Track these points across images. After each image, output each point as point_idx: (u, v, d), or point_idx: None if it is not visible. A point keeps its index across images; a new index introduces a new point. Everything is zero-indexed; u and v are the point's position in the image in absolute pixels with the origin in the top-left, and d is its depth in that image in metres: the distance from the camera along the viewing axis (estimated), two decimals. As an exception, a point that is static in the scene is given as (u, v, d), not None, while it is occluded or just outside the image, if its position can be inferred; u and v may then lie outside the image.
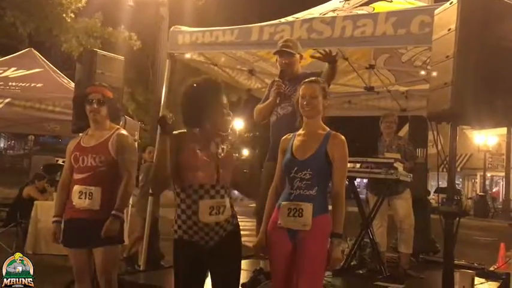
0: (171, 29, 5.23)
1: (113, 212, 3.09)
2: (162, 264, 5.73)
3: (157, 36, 6.46)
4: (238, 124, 28.86)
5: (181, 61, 5.61)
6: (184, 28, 5.17)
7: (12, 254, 6.56)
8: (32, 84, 7.12)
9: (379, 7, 4.75)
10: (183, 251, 2.60)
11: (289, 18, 4.86)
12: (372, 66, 6.16)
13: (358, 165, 5.18)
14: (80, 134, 3.41)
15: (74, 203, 3.14)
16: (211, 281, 2.66)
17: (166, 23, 5.70)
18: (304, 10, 5.42)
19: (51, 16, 10.67)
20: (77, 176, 3.17)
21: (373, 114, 6.97)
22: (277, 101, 3.86)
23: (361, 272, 4.94)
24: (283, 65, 3.94)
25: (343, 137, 2.82)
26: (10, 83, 7.11)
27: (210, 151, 2.62)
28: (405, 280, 4.69)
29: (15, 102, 6.60)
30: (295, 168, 2.74)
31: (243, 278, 4.30)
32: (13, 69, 7.64)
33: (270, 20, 4.83)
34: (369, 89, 6.45)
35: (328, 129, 2.87)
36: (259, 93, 6.46)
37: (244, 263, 5.19)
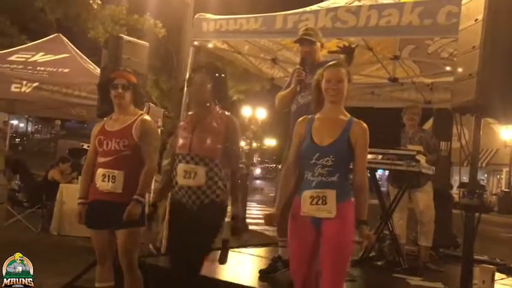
0: (196, 16, 5.26)
1: (135, 196, 3.15)
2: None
3: (182, 24, 6.50)
4: (261, 113, 28.88)
5: (206, 49, 5.63)
6: (208, 15, 5.19)
7: (38, 233, 6.80)
8: (60, 69, 7.24)
9: (405, -4, 4.68)
10: (174, 209, 3.01)
11: (314, 7, 4.82)
12: (396, 57, 6.07)
13: (379, 156, 5.15)
14: (105, 119, 3.46)
15: (97, 186, 3.21)
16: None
17: (191, 11, 5.73)
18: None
19: (78, 2, 10.82)
20: (100, 160, 3.24)
21: (397, 105, 6.89)
22: (298, 89, 3.85)
23: (379, 263, 4.92)
24: (304, 53, 3.91)
25: (365, 124, 2.78)
26: (38, 68, 7.25)
27: (191, 128, 2.98)
28: (424, 273, 4.66)
29: (43, 87, 6.72)
30: (317, 155, 2.70)
31: (261, 264, 4.37)
32: (41, 54, 7.78)
33: (294, 9, 4.82)
34: (393, 80, 6.37)
35: (350, 115, 2.82)
36: (282, 82, 6.43)
37: (262, 251, 5.28)
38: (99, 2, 10.99)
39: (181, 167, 2.92)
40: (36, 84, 6.70)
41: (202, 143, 2.92)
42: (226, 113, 3.05)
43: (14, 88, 6.74)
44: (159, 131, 9.69)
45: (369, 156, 5.51)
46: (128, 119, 3.31)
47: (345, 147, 2.70)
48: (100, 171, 3.21)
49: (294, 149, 2.88)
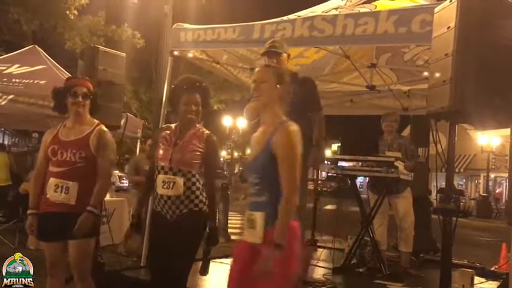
0: (173, 27, 5.25)
1: (88, 207, 3.10)
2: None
3: (160, 34, 6.48)
4: (241, 123, 28.90)
5: (184, 59, 5.62)
6: (186, 25, 5.18)
7: (15, 249, 6.65)
8: (36, 81, 7.12)
9: (381, 5, 4.75)
10: (154, 220, 3.05)
11: (291, 16, 4.86)
12: (373, 65, 6.15)
13: (359, 163, 5.20)
14: (57, 126, 3.35)
15: (48, 196, 3.12)
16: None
17: (169, 21, 5.70)
18: (307, 8, 5.43)
19: (54, 13, 10.69)
20: (53, 169, 3.15)
21: (375, 113, 6.96)
22: None
23: (361, 270, 4.94)
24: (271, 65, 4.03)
25: (293, 127, 2.43)
26: (14, 80, 7.11)
27: (173, 141, 3.01)
28: (405, 279, 4.70)
29: (18, 99, 6.60)
30: (249, 173, 2.50)
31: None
32: (16, 65, 7.64)
33: (273, 18, 4.84)
34: (371, 87, 6.44)
35: (285, 119, 2.50)
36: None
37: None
38: (76, 13, 10.88)
39: (160, 178, 2.95)
40: (11, 96, 6.58)
41: (182, 157, 2.95)
42: (206, 132, 3.09)
43: (-12, 101, 6.61)
44: (138, 141, 9.65)
45: (348, 164, 5.59)
46: (84, 129, 3.24)
47: (267, 160, 2.38)
48: (52, 181, 3.12)
49: None
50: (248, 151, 2.61)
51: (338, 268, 4.91)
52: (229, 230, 9.43)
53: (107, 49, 4.30)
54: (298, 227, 2.40)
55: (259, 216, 2.36)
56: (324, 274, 4.80)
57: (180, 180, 2.92)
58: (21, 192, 7.35)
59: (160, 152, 3.01)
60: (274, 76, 2.55)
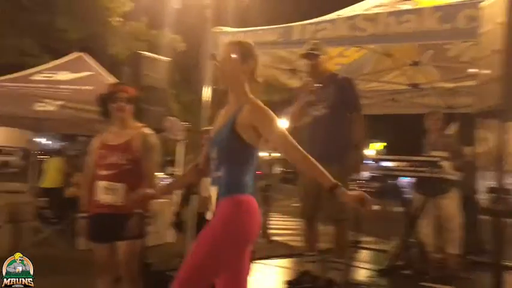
0: (213, 30, 5.32)
1: (137, 210, 3.19)
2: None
3: (201, 38, 6.57)
4: (280, 123, 28.74)
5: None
6: (225, 29, 5.24)
7: (66, 249, 6.90)
8: (83, 87, 7.38)
9: (423, 2, 4.65)
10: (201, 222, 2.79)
11: (332, 16, 4.83)
12: (416, 63, 6.02)
13: (402, 163, 5.10)
14: (103, 133, 3.45)
15: (98, 199, 3.23)
16: None
17: (210, 25, 5.79)
18: (346, 7, 5.38)
19: (99, 21, 11.05)
20: (102, 172, 3.25)
21: (417, 111, 6.82)
22: (310, 101, 3.93)
23: (406, 272, 4.85)
24: (310, 66, 4.07)
25: (261, 103, 2.36)
26: (62, 86, 7.40)
27: None
28: (453, 281, 4.57)
29: (67, 105, 6.85)
30: (210, 148, 2.46)
31: (288, 275, 4.35)
32: (65, 72, 7.94)
33: (312, 19, 4.83)
34: (414, 86, 6.31)
35: (252, 97, 2.39)
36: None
37: (285, 262, 5.25)
38: (119, 20, 11.20)
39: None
40: (61, 102, 6.84)
41: None
42: None
43: (37, 107, 6.88)
44: (184, 143, 9.81)
45: (392, 163, 5.50)
46: (129, 132, 3.33)
47: (227, 136, 2.32)
48: (101, 184, 3.23)
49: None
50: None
51: (383, 270, 4.84)
52: (270, 231, 9.45)
53: (150, 54, 4.40)
54: (255, 202, 2.32)
55: (213, 190, 2.35)
56: (368, 276, 4.74)
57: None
58: (68, 196, 7.63)
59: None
60: (240, 54, 2.40)
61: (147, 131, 3.39)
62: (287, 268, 4.79)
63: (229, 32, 5.11)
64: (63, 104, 6.83)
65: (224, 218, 2.24)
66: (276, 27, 4.76)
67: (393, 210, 8.78)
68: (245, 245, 2.26)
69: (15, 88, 7.34)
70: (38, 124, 8.92)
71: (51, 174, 9.04)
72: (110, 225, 3.20)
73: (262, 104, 2.34)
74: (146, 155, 3.29)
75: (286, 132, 2.30)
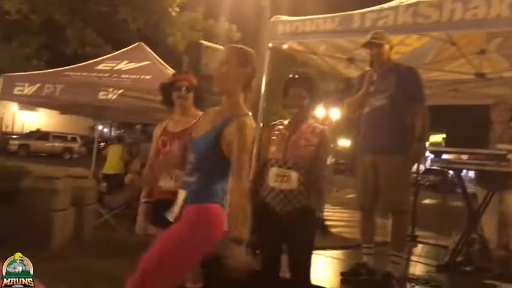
0: (272, 19, 5.29)
1: None
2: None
3: (257, 27, 6.59)
4: (334, 114, 28.46)
5: (280, 51, 5.65)
6: (284, 18, 5.21)
7: (125, 233, 7.17)
8: (142, 76, 7.58)
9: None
10: (263, 213, 2.93)
11: (393, 3, 4.68)
12: (483, 51, 5.74)
13: (464, 156, 4.91)
14: (166, 120, 3.57)
15: (161, 185, 3.31)
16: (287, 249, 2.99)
17: (267, 14, 5.78)
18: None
19: (158, 11, 11.30)
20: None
21: (482, 102, 6.52)
22: (370, 90, 3.83)
23: (467, 269, 4.68)
24: (373, 56, 3.97)
25: (250, 121, 2.30)
26: (123, 76, 7.64)
27: (287, 136, 3.03)
28: (517, 279, 4.37)
29: (127, 93, 7.08)
30: (190, 151, 2.47)
31: (344, 267, 4.31)
32: (125, 62, 8.19)
33: (370, 7, 4.71)
34: (480, 75, 6.03)
35: (246, 111, 2.33)
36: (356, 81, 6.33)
37: (341, 253, 5.20)
38: (177, 10, 11.41)
39: (273, 171, 2.98)
40: (121, 91, 7.07)
41: (295, 152, 2.98)
42: (320, 126, 3.09)
43: (101, 95, 7.16)
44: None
45: (453, 156, 5.30)
46: (190, 120, 3.37)
47: (211, 144, 2.31)
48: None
49: None
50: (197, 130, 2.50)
51: (442, 266, 4.70)
52: (326, 223, 9.39)
53: (210, 44, 4.47)
54: (222, 212, 2.32)
55: (182, 194, 2.38)
56: (427, 271, 4.62)
57: (294, 175, 2.93)
58: (127, 182, 7.88)
59: (275, 146, 3.05)
60: (238, 57, 2.38)
61: None
62: (343, 260, 4.74)
63: (287, 21, 5.07)
64: (123, 92, 7.07)
65: (190, 225, 2.27)
66: (335, 16, 4.69)
67: (452, 204, 8.47)
68: (203, 252, 2.32)
69: (80, 77, 7.66)
70: (99, 112, 9.29)
71: (112, 161, 9.40)
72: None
73: (249, 122, 2.29)
74: None
75: (246, 162, 2.26)
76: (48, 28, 13.30)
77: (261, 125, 5.72)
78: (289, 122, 3.13)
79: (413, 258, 5.14)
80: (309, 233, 2.98)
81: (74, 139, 31.14)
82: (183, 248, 2.27)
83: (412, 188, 5.89)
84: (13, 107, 32.81)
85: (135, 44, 9.24)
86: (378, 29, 4.09)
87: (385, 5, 4.67)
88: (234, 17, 12.74)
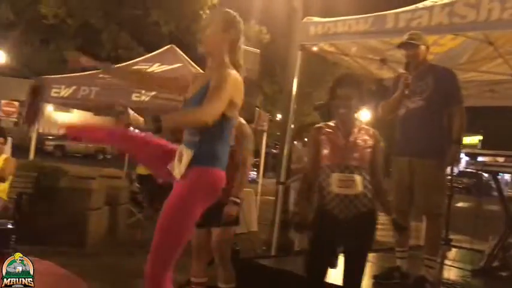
0: (303, 20, 5.29)
1: (231, 197, 3.32)
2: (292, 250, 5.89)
3: (289, 29, 6.58)
4: (365, 115, 28.18)
5: (311, 52, 5.64)
6: (316, 19, 5.19)
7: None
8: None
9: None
10: (322, 220, 2.86)
11: (427, 3, 4.61)
12: (521, 51, 5.58)
13: (501, 159, 4.79)
14: None
15: None
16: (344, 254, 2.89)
17: (299, 16, 5.78)
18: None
19: (189, 14, 11.45)
20: None
21: (520, 103, 6.35)
22: (406, 92, 3.78)
23: (503, 274, 4.56)
24: (409, 57, 3.90)
25: (235, 73, 2.42)
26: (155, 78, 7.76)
27: (341, 139, 2.90)
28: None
29: (159, 95, 7.20)
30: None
31: (376, 270, 4.27)
32: (157, 64, 8.32)
33: (403, 7, 4.64)
34: (518, 76, 5.87)
35: (231, 68, 2.44)
36: (391, 83, 6.25)
37: (373, 256, 5.14)
38: (208, 12, 11.52)
39: (335, 176, 2.83)
40: (153, 93, 7.19)
41: (355, 154, 2.85)
42: (370, 128, 2.99)
43: (134, 97, 7.31)
44: (265, 135, 9.93)
45: (489, 158, 5.18)
46: None
47: (200, 102, 2.34)
48: None
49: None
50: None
51: (477, 270, 4.59)
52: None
53: (243, 46, 4.47)
54: (223, 175, 2.45)
55: (188, 154, 2.37)
56: (462, 276, 4.52)
57: (359, 179, 2.81)
58: (159, 183, 7.99)
59: (329, 150, 2.90)
60: (222, 21, 2.44)
61: (242, 121, 3.48)
62: (375, 263, 4.69)
63: (319, 22, 5.06)
64: (155, 94, 7.19)
65: (192, 185, 2.36)
66: (368, 16, 4.65)
67: (488, 208, 8.27)
68: (199, 212, 2.44)
69: (114, 80, 7.82)
70: (132, 113, 9.44)
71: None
72: (208, 211, 3.32)
73: (231, 73, 2.37)
74: (241, 144, 3.38)
75: (221, 90, 2.33)
76: (84, 32, 13.65)
77: (292, 126, 5.73)
78: (337, 124, 2.98)
79: (447, 262, 5.05)
80: (371, 237, 2.89)
81: (106, 140, 31.74)
82: (182, 208, 2.37)
83: (447, 191, 5.77)
84: (49, 108, 33.72)
85: (166, 47, 9.37)
86: (412, 30, 4.04)
87: (420, 5, 4.60)
88: (264, 18, 12.77)
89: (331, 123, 3.01)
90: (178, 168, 2.40)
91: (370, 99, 3.07)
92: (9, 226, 2.65)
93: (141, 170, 9.47)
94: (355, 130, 2.93)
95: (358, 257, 2.87)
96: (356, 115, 2.98)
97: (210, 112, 2.31)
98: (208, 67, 2.51)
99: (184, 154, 2.38)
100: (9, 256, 2.46)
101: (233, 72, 2.41)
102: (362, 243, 2.87)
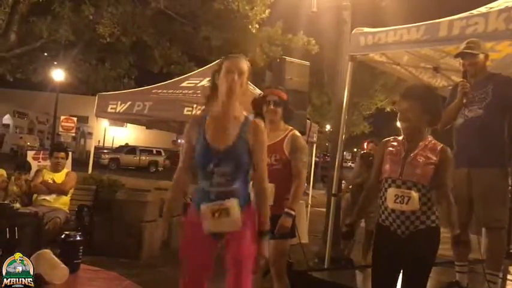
0: (353, 31, 5.26)
1: (286, 209, 3.30)
2: (343, 263, 5.80)
3: (338, 40, 6.57)
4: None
5: (361, 62, 5.60)
6: (366, 29, 5.15)
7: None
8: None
9: None
10: (380, 236, 2.87)
11: (482, 9, 4.48)
12: None
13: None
14: None
15: None
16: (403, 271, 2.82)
17: (348, 27, 5.77)
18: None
19: (238, 28, 11.65)
20: None
21: None
22: (464, 101, 3.67)
23: None
24: (466, 66, 3.81)
25: (262, 124, 2.58)
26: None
27: (403, 153, 2.83)
28: None
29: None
30: (220, 161, 2.45)
31: (434, 285, 4.14)
32: (208, 78, 8.45)
33: (457, 14, 4.53)
34: None
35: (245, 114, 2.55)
36: (444, 92, 6.08)
37: (436, 271, 4.95)
38: (257, 26, 11.69)
39: (392, 192, 2.78)
40: (204, 107, 7.34)
41: (415, 170, 2.76)
42: (439, 144, 2.83)
43: (186, 111, 7.50)
44: (314, 146, 9.88)
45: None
46: (279, 134, 3.46)
47: (245, 152, 2.46)
48: None
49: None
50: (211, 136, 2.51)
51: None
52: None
53: (292, 59, 4.54)
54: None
55: (234, 204, 2.40)
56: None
57: (416, 195, 2.72)
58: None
59: (389, 164, 2.84)
60: (248, 70, 2.53)
61: (297, 133, 3.51)
62: (433, 278, 4.55)
63: (369, 33, 5.02)
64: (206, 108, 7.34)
65: (253, 226, 2.47)
66: (420, 25, 4.56)
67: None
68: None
69: (166, 95, 8.07)
70: (182, 127, 9.68)
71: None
72: None
73: (259, 123, 2.54)
74: (295, 156, 3.40)
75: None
76: (137, 49, 14.17)
77: (343, 137, 5.69)
78: (403, 139, 2.89)
79: (510, 277, 4.81)
80: (430, 255, 2.79)
81: (158, 153, 32.66)
82: (254, 243, 2.48)
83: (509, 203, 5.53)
84: (104, 123, 35.12)
85: (216, 61, 9.54)
86: (467, 37, 3.94)
87: (474, 11, 4.48)
88: (310, 30, 12.81)
89: (399, 138, 2.93)
90: (230, 222, 2.44)
91: (440, 111, 2.88)
92: (78, 238, 2.78)
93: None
94: (421, 145, 2.80)
95: (414, 275, 2.78)
96: (424, 129, 2.81)
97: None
98: (227, 108, 2.56)
99: (232, 205, 2.42)
100: (79, 267, 2.56)
101: (257, 120, 2.64)
102: (419, 262, 2.77)
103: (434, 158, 2.76)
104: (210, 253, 2.52)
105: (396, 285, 2.82)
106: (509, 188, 4.57)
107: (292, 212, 3.33)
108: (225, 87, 2.45)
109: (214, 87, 2.53)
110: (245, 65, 2.52)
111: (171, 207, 2.68)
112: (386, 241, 2.82)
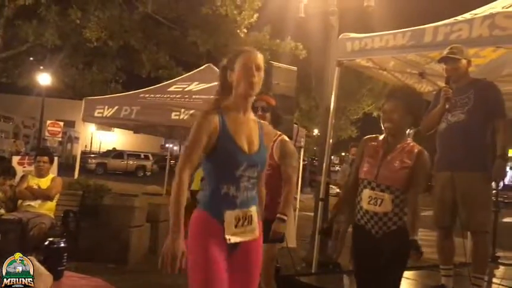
0: (340, 37, 5.30)
1: (278, 214, 3.32)
2: (331, 267, 5.82)
3: (325, 45, 6.61)
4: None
5: (348, 67, 5.64)
6: (353, 35, 5.19)
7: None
8: (212, 97, 7.80)
9: None
10: (357, 234, 2.92)
11: (467, 16, 4.55)
12: None
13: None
14: None
15: None
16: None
17: (335, 32, 5.81)
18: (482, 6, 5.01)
19: (226, 33, 11.66)
20: None
21: None
22: (447, 107, 3.72)
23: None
24: (449, 71, 3.86)
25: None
26: (194, 96, 7.92)
27: (380, 155, 2.87)
28: None
29: (198, 114, 7.32)
30: (248, 165, 2.26)
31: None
32: (195, 83, 8.49)
33: (441, 21, 4.59)
34: None
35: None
36: (430, 96, 6.15)
37: (421, 274, 5.01)
38: (245, 31, 11.71)
39: (366, 193, 2.84)
40: (192, 111, 7.33)
41: (389, 174, 2.79)
42: (417, 147, 2.83)
43: (173, 116, 7.46)
44: (302, 150, 9.92)
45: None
46: None
47: (266, 158, 2.42)
48: None
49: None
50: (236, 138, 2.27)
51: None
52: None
53: (280, 65, 4.56)
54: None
55: (255, 211, 2.31)
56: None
57: (388, 197, 2.76)
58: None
59: (367, 165, 2.88)
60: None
61: (285, 138, 3.52)
62: (418, 281, 4.59)
63: (356, 38, 5.06)
64: (194, 112, 7.32)
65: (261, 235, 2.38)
66: (406, 31, 4.61)
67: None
68: None
69: (154, 99, 8.03)
70: (170, 131, 9.67)
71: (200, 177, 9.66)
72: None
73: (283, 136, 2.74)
74: (285, 162, 3.42)
75: None
76: (124, 53, 14.12)
77: (331, 141, 5.71)
78: (383, 139, 2.92)
79: (495, 280, 4.87)
80: (402, 256, 2.79)
81: (146, 157, 32.47)
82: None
83: (493, 207, 5.59)
84: (91, 127, 34.87)
85: (204, 66, 9.55)
86: (451, 43, 3.99)
87: (459, 17, 4.55)
88: (298, 34, 12.86)
89: (381, 137, 2.95)
90: (253, 230, 2.29)
91: (422, 113, 2.94)
92: (62, 245, 2.75)
93: (196, 185, 9.62)
94: (399, 147, 2.83)
95: (387, 274, 2.81)
96: (403, 130, 2.85)
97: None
98: (245, 107, 2.42)
99: (254, 213, 2.29)
100: (63, 274, 2.52)
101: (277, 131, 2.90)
102: (392, 262, 2.80)
103: (410, 162, 2.79)
104: (225, 267, 2.20)
105: (379, 279, 2.83)
106: (492, 191, 4.64)
107: (285, 218, 3.35)
108: (246, 84, 2.24)
109: (225, 85, 2.33)
110: (262, 60, 2.33)
111: (181, 214, 2.16)
112: (362, 239, 2.89)
